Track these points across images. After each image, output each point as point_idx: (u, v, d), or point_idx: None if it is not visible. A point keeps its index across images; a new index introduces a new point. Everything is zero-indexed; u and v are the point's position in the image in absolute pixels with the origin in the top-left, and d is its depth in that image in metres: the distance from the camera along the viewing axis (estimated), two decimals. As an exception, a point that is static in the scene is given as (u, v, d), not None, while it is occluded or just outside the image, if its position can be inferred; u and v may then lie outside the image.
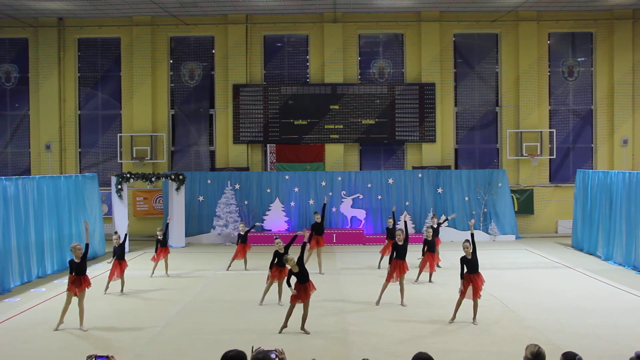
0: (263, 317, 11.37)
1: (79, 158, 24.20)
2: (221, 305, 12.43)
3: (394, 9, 22.68)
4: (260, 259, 17.54)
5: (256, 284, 14.56)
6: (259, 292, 13.57)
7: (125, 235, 14.15)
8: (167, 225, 16.27)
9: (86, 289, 10.65)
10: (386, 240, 16.23)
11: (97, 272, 16.27)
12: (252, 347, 6.05)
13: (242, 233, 16.02)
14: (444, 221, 17.24)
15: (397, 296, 12.32)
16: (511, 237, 21.96)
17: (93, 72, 24.21)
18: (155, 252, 15.40)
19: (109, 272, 13.60)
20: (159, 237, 15.37)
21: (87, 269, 16.07)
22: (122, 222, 19.85)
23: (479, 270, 10.77)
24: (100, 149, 24.29)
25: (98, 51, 24.21)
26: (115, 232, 14.24)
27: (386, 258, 14.59)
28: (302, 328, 10.21)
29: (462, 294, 10.66)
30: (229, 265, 16.19)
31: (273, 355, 5.06)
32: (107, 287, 13.42)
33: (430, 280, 14.45)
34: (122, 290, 13.46)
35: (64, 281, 14.95)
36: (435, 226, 15.52)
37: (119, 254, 13.51)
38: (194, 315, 11.54)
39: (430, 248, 14.37)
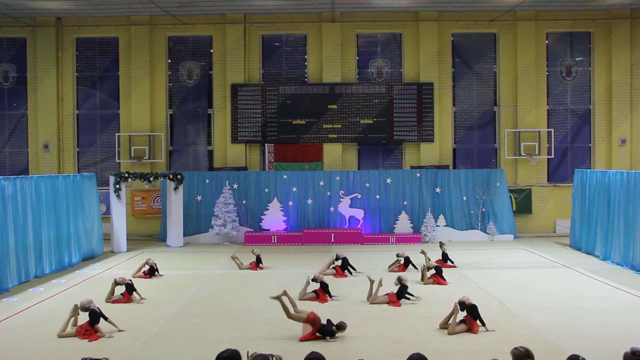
0: (260, 317, 11.36)
1: (77, 158, 24.16)
2: (218, 305, 12.41)
3: (392, 8, 22.68)
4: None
5: (254, 284, 14.57)
6: (257, 292, 13.57)
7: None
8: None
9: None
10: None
11: (95, 271, 16.29)
12: (248, 352, 6.03)
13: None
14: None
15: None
16: (509, 236, 21.96)
17: (91, 71, 24.17)
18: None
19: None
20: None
21: (86, 269, 16.10)
22: (120, 222, 19.84)
23: None
24: (98, 148, 24.26)
25: (96, 51, 24.17)
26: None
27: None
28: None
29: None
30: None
31: None
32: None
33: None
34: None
35: (62, 281, 15.00)
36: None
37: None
38: (191, 316, 11.51)
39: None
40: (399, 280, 12.34)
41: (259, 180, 22.24)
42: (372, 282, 12.56)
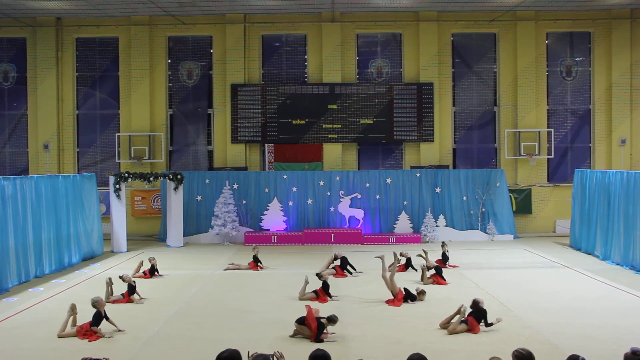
0: (260, 317, 11.37)
1: (77, 158, 24.16)
2: (218, 305, 12.40)
3: (392, 8, 22.68)
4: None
5: (254, 284, 14.57)
6: (257, 292, 13.58)
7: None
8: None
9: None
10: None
11: (95, 271, 16.29)
12: (248, 352, 6.02)
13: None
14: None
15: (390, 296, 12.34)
16: (509, 236, 21.96)
17: (91, 71, 24.18)
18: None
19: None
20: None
21: (86, 269, 16.09)
22: (120, 222, 19.84)
23: None
24: (98, 148, 24.26)
25: (96, 51, 24.17)
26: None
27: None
28: None
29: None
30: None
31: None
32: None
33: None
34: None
35: (62, 281, 15.00)
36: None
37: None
38: (191, 316, 11.51)
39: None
40: (419, 293, 12.49)
41: (259, 180, 22.24)
42: (397, 260, 12.98)
